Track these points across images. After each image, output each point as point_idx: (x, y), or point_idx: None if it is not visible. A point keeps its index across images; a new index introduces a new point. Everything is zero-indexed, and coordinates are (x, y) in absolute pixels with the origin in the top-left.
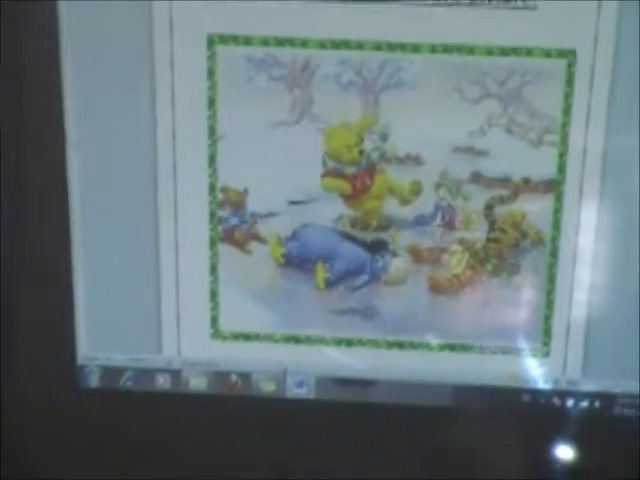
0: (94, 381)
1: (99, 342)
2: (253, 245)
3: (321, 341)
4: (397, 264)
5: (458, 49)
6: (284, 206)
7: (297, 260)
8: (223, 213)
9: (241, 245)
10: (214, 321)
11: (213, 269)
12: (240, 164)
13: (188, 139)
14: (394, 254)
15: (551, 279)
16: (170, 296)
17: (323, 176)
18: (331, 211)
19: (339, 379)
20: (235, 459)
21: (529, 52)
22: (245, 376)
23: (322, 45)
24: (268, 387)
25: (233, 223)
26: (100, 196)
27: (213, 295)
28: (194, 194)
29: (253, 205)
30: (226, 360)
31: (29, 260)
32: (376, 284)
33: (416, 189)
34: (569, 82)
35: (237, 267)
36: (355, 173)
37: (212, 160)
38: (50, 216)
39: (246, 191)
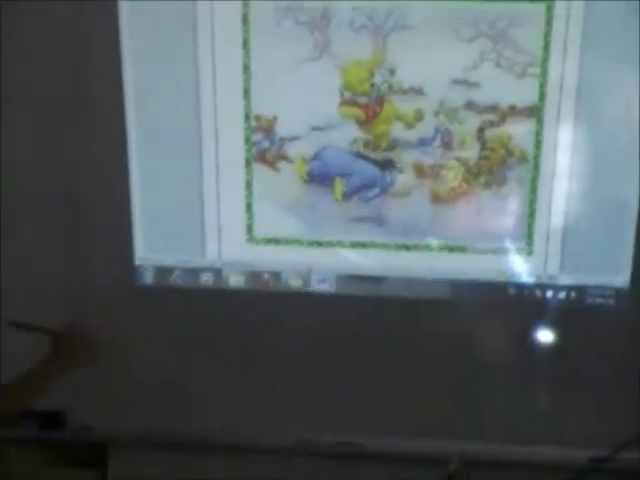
0: (149, 279)
1: (153, 246)
2: (281, 164)
3: (340, 244)
4: (403, 179)
5: None
6: (307, 131)
7: (319, 177)
8: (256, 137)
9: (271, 164)
10: (249, 228)
11: (248, 185)
12: (270, 96)
13: (226, 75)
14: (400, 171)
15: (533, 190)
16: (212, 207)
17: (340, 105)
18: (347, 135)
19: (355, 276)
20: (267, 346)
21: None
22: (276, 274)
23: None
24: (295, 283)
25: (264, 146)
26: (153, 125)
27: (248, 206)
28: (231, 121)
29: (281, 130)
30: (260, 261)
31: (93, 176)
32: (385, 196)
33: (419, 116)
34: (548, 23)
35: (268, 183)
36: (367, 102)
37: (246, 92)
38: (111, 141)
39: (275, 119)
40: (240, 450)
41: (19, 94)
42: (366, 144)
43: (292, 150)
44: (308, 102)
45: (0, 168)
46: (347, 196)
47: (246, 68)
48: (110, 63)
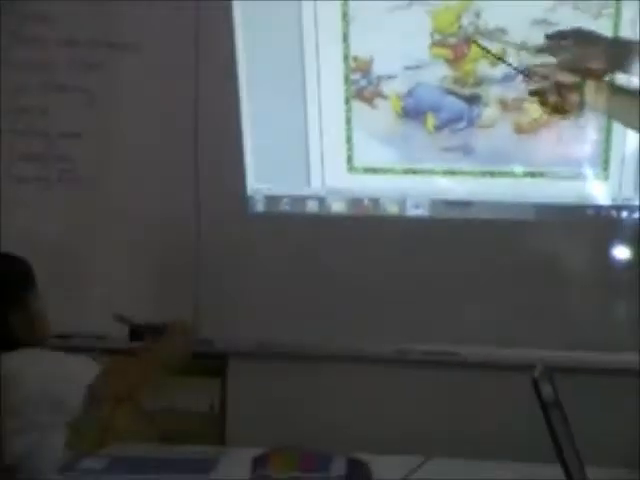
0: (260, 207)
1: (263, 177)
2: (378, 101)
3: (432, 172)
4: (488, 112)
5: None
6: (401, 70)
7: (412, 111)
8: (355, 77)
9: (369, 101)
10: (350, 159)
11: (348, 120)
12: (367, 39)
13: (327, 21)
14: (486, 104)
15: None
16: (316, 141)
17: (430, 46)
18: (437, 73)
19: (446, 201)
20: (367, 265)
21: None
22: (374, 201)
23: None
24: (392, 209)
25: (362, 84)
26: (262, 67)
27: (348, 139)
28: (332, 63)
29: (378, 70)
30: (359, 189)
31: (208, 114)
32: (472, 128)
33: (502, 54)
34: None
35: (366, 118)
36: (455, 43)
37: (345, 37)
38: (224, 82)
39: (372, 59)
40: (344, 359)
41: (143, 41)
42: (455, 81)
43: (387, 88)
44: (401, 44)
45: (122, 107)
46: (438, 128)
47: (345, 15)
48: (222, 11)
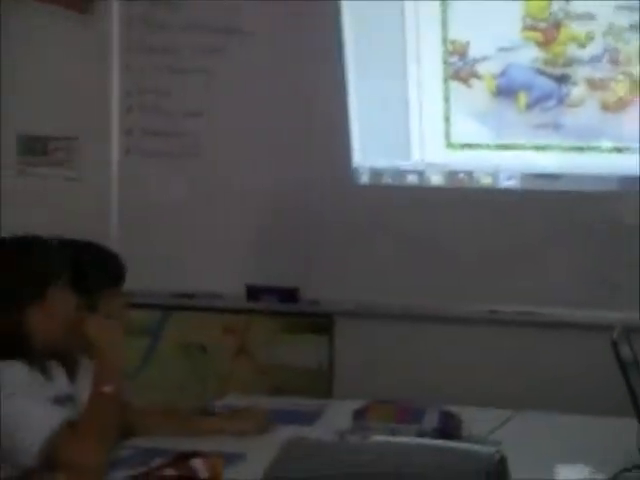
0: (365, 179)
1: (368, 152)
2: (473, 81)
3: (523, 147)
4: (577, 91)
5: None
6: (495, 52)
7: (505, 90)
8: (452, 59)
9: (465, 81)
10: (447, 135)
11: (445, 99)
12: (463, 23)
13: (426, 7)
14: (574, 84)
15: None
16: (416, 119)
17: (522, 30)
18: (529, 54)
19: (537, 174)
20: (461, 233)
21: None
22: (469, 174)
23: None
24: (486, 181)
25: (459, 65)
26: (367, 51)
27: (446, 117)
28: (431, 46)
29: (473, 52)
30: (456, 163)
31: (319, 95)
32: (562, 106)
33: (590, 36)
34: None
35: (462, 97)
36: (545, 27)
37: (444, 22)
38: (332, 64)
39: (468, 42)
40: (440, 320)
41: (257, 28)
42: (545, 62)
43: (482, 68)
44: (496, 27)
45: (239, 87)
46: (529, 106)
47: (443, 2)
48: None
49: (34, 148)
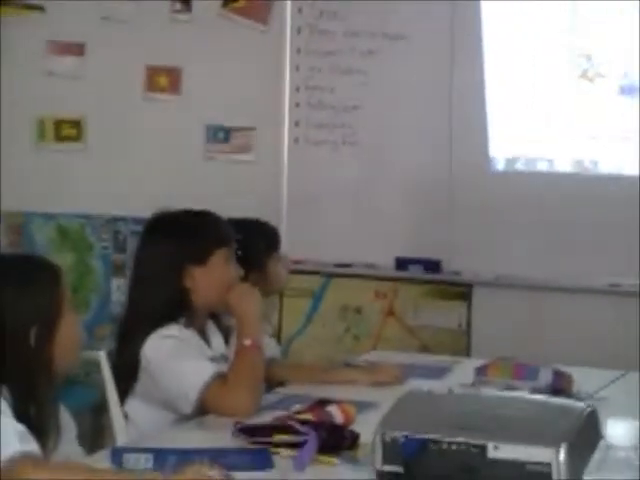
0: (500, 166)
1: (504, 142)
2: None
3: None
4: None
5: None
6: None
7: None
8: (579, 60)
9: (591, 80)
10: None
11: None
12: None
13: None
14: None
15: None
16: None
17: None
18: None
19: None
20: (585, 218)
21: None
22: (594, 162)
23: None
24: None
25: (585, 67)
26: (505, 50)
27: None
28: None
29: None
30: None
31: (461, 91)
32: None
33: None
34: None
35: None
36: None
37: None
38: (474, 65)
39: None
40: (563, 290)
41: (408, 32)
42: None
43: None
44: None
45: (392, 84)
46: None
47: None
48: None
49: (219, 137)
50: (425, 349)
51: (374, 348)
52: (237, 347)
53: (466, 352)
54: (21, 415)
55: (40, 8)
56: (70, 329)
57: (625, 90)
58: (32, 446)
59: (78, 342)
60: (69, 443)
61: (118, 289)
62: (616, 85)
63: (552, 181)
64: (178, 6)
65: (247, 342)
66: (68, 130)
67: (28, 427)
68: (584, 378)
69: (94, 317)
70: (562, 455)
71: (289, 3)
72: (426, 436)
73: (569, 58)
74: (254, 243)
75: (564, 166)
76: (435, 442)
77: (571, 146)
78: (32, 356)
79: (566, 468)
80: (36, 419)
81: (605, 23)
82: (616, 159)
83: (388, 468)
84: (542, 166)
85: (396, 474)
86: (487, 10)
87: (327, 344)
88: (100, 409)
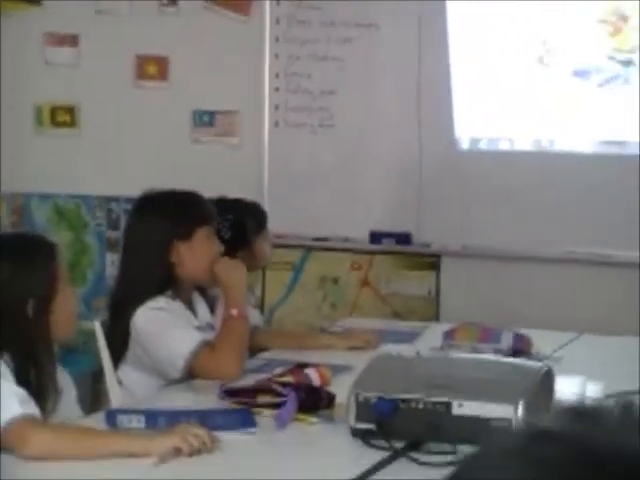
0: (465, 146)
1: (468, 124)
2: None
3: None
4: None
5: None
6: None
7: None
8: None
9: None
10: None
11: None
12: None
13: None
14: None
15: None
16: (506, 97)
17: None
18: None
19: (606, 141)
20: (542, 193)
21: None
22: (551, 141)
23: None
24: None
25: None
26: (469, 39)
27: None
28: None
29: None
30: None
31: (429, 77)
32: None
33: None
34: None
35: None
36: None
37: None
38: (440, 52)
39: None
40: (525, 259)
41: (380, 22)
42: None
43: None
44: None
45: (366, 71)
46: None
47: None
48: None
49: (205, 121)
50: (397, 316)
51: (350, 315)
52: (224, 316)
53: (435, 318)
54: (22, 380)
55: (38, 2)
56: (67, 301)
57: (578, 73)
58: (32, 408)
59: (74, 313)
60: (69, 404)
61: (112, 264)
62: (570, 69)
63: (513, 159)
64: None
65: (234, 312)
66: (63, 116)
67: (28, 391)
68: (542, 340)
69: (90, 290)
70: (520, 411)
71: None
72: (396, 396)
73: (526, 45)
74: (243, 222)
75: (523, 145)
76: (404, 401)
77: (530, 127)
78: (31, 326)
79: (524, 423)
80: (36, 383)
81: (558, 11)
82: (570, 138)
83: (361, 426)
84: (504, 145)
85: (369, 431)
86: (452, 1)
87: (307, 312)
88: (97, 376)
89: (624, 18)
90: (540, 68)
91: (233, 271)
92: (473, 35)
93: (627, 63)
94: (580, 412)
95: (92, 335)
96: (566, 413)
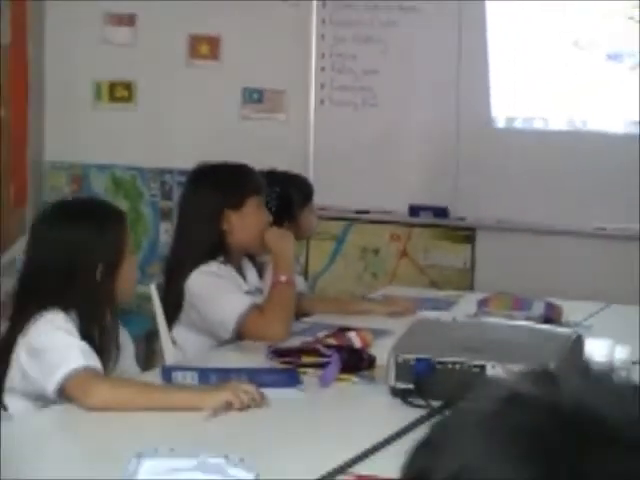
0: (501, 124)
1: (504, 103)
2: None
3: None
4: None
5: None
6: None
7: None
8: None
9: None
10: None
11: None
12: None
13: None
14: None
15: None
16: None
17: None
18: None
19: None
20: (573, 172)
21: None
22: (584, 122)
23: None
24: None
25: None
26: (507, 24)
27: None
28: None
29: None
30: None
31: (468, 57)
32: None
33: None
34: None
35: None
36: None
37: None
38: (480, 34)
39: None
40: (557, 232)
41: (421, 5)
42: None
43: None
44: None
45: (408, 52)
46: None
47: None
48: None
49: (254, 98)
50: (434, 285)
51: (389, 284)
52: (273, 282)
53: (470, 288)
54: (86, 337)
55: None
56: (130, 268)
57: (611, 57)
58: (94, 361)
59: (135, 278)
60: (127, 360)
61: (165, 232)
62: (604, 52)
63: (546, 137)
64: None
65: (282, 278)
66: (121, 92)
67: (92, 347)
68: (572, 310)
69: (145, 257)
70: None
71: None
72: (434, 358)
73: (562, 28)
74: (290, 195)
75: (557, 125)
76: (441, 363)
77: (563, 107)
78: (98, 289)
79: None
80: (99, 341)
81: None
82: (602, 118)
83: (401, 385)
84: (538, 124)
85: (407, 390)
86: None
87: (348, 281)
88: (151, 336)
89: None
90: (575, 51)
91: (283, 240)
92: (511, 19)
93: None
94: (542, 375)
95: (146, 298)
96: (530, 376)
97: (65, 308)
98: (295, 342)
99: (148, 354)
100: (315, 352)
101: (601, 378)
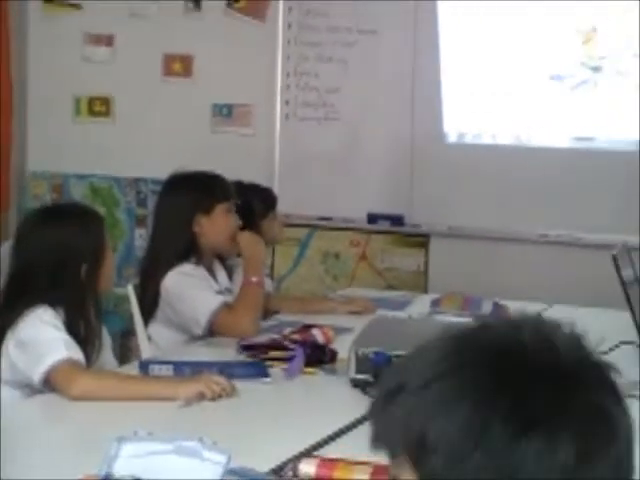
0: (453, 139)
1: (454, 120)
2: None
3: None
4: None
5: None
6: None
7: None
8: None
9: None
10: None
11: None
12: None
13: None
14: None
15: None
16: (488, 95)
17: None
18: None
19: (576, 137)
20: (517, 182)
21: None
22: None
23: None
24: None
25: None
26: (458, 44)
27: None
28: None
29: None
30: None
31: (422, 76)
32: None
33: None
34: None
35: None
36: None
37: None
38: (432, 56)
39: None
40: (505, 240)
41: (379, 28)
42: None
43: None
44: None
45: (367, 71)
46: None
47: None
48: (431, 6)
49: (224, 113)
50: (391, 287)
51: (349, 286)
52: (244, 282)
53: (424, 290)
54: (72, 331)
55: (78, 6)
56: (109, 263)
57: (554, 77)
58: (77, 354)
59: (113, 272)
60: (106, 353)
61: (140, 237)
62: (547, 73)
63: (495, 151)
64: (190, 5)
65: (253, 279)
66: (99, 107)
67: (77, 341)
68: (518, 309)
69: (121, 260)
70: None
71: (281, 3)
72: (390, 351)
73: (509, 50)
74: (252, 205)
75: (505, 139)
76: (397, 356)
77: (510, 123)
78: (82, 286)
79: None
80: (84, 335)
81: (539, 21)
82: (546, 134)
83: (360, 377)
84: (487, 139)
85: (366, 381)
86: (443, 10)
87: (312, 283)
88: (127, 334)
89: (594, 29)
90: (520, 72)
91: (255, 244)
92: (463, 42)
93: (596, 69)
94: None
95: (122, 299)
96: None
97: (52, 305)
98: (263, 338)
99: (123, 351)
100: (281, 347)
101: (554, 324)
